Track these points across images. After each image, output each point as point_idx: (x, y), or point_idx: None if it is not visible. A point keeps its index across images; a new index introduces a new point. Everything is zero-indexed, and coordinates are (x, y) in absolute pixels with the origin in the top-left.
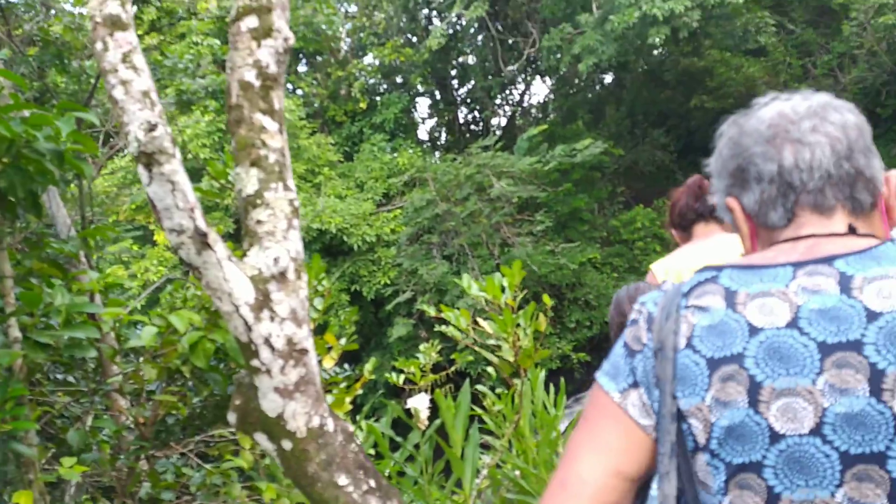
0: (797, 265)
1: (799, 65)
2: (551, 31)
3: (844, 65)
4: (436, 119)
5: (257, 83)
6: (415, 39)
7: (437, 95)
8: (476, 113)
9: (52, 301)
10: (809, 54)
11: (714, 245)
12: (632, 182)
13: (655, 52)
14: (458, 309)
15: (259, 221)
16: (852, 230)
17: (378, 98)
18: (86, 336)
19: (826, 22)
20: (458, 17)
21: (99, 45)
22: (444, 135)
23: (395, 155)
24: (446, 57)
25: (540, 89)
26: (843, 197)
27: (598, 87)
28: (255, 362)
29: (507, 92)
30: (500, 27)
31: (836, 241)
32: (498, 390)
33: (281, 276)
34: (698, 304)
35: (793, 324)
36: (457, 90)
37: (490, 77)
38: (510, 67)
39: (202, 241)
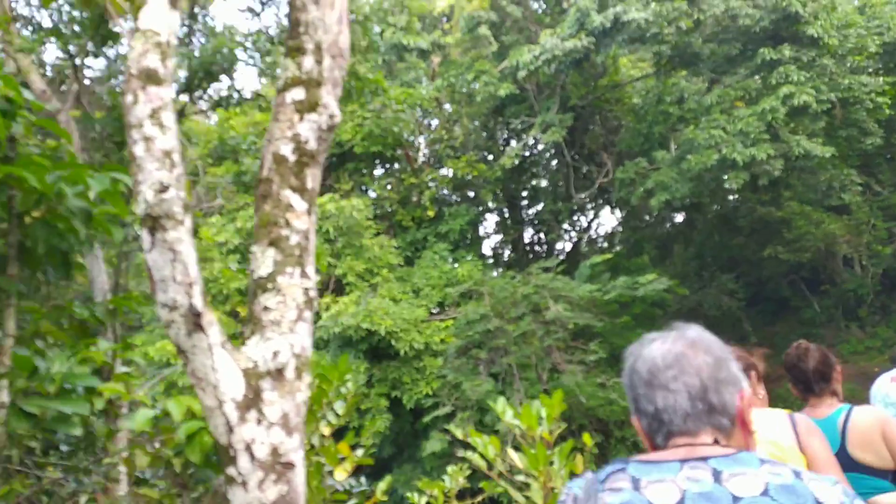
0: (683, 462)
1: (884, 227)
2: (626, 164)
3: None
4: (501, 236)
5: (293, 157)
6: (490, 157)
7: (506, 213)
8: (542, 235)
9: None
10: (895, 218)
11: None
12: (694, 324)
13: (731, 196)
14: (491, 434)
15: (266, 308)
16: (717, 441)
17: (447, 209)
18: (73, 411)
19: None
20: (535, 140)
21: (129, 98)
22: (507, 252)
23: (456, 265)
24: (519, 177)
25: (608, 220)
26: (703, 424)
27: (668, 225)
28: (231, 470)
29: (575, 218)
30: (575, 155)
31: (707, 448)
32: None
33: (278, 373)
34: (612, 487)
35: (680, 503)
36: (525, 210)
37: (560, 202)
38: (581, 195)
39: (195, 321)
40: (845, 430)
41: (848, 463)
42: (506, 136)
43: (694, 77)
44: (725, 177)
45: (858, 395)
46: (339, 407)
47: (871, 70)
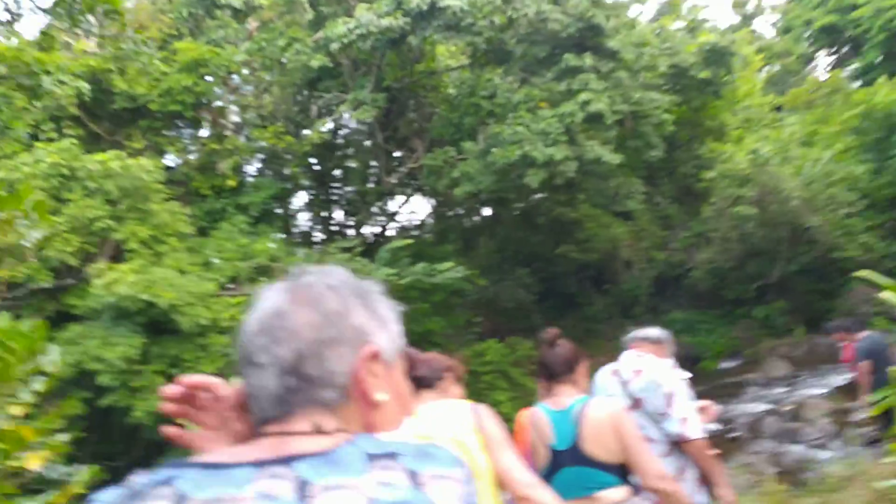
0: (259, 465)
1: (660, 235)
2: (435, 152)
3: (699, 244)
4: (311, 215)
5: None
6: (303, 132)
7: (315, 191)
8: (352, 217)
9: None
10: (671, 227)
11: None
12: (491, 315)
13: (536, 196)
14: None
15: None
16: (317, 428)
17: (250, 180)
18: None
19: (689, 202)
20: (347, 117)
21: None
22: (316, 232)
23: (255, 240)
24: (330, 155)
25: (420, 208)
26: (298, 405)
27: (475, 218)
28: None
29: (385, 202)
30: (388, 138)
31: (299, 442)
32: None
33: None
34: None
35: None
36: (336, 190)
37: (370, 184)
38: (391, 178)
39: None
40: (580, 422)
41: (580, 456)
42: (318, 110)
43: (507, 76)
44: (527, 174)
45: None
46: (39, 383)
47: (660, 88)
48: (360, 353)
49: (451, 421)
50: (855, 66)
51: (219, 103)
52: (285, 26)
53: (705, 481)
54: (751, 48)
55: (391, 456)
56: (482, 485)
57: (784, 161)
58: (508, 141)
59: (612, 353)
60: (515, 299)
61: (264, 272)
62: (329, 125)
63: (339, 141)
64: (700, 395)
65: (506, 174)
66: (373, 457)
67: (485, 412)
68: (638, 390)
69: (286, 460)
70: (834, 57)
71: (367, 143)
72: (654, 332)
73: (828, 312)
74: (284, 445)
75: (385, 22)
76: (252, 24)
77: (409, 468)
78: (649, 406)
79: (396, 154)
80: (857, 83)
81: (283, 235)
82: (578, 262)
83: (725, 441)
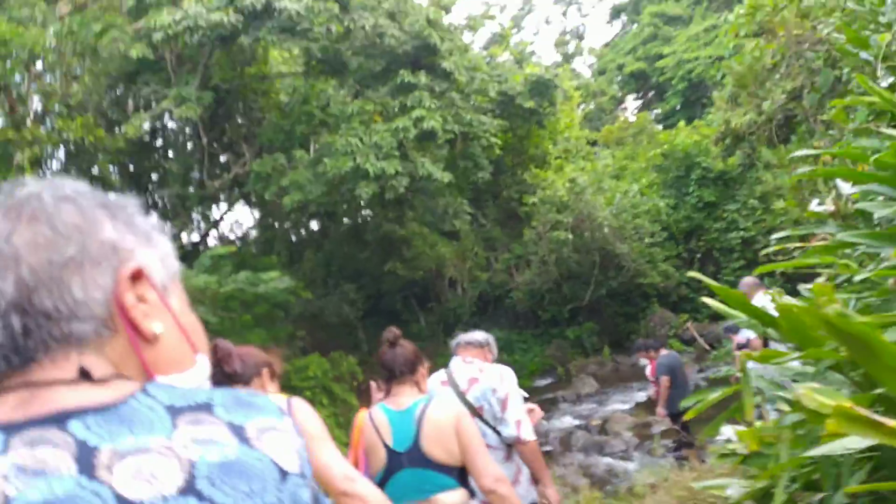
0: (9, 430)
1: (484, 256)
2: (264, 158)
3: (520, 266)
4: None
5: None
6: (118, 129)
7: (130, 191)
8: (168, 221)
9: None
10: (494, 249)
11: None
12: (315, 330)
13: (365, 211)
14: None
15: None
16: (84, 374)
17: (50, 175)
18: None
19: (512, 225)
20: (168, 114)
21: None
22: None
23: None
24: (148, 155)
25: (244, 217)
26: (46, 344)
27: (302, 231)
28: None
29: (206, 208)
30: (213, 141)
31: (68, 391)
32: None
33: None
34: None
35: None
36: (152, 192)
37: (191, 188)
38: (215, 183)
39: None
40: (420, 423)
41: (419, 458)
42: (136, 105)
43: (341, 87)
44: (357, 187)
45: None
46: None
47: (489, 112)
48: (117, 273)
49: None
50: (658, 110)
51: (19, 89)
52: (101, 11)
53: (534, 481)
54: (571, 84)
55: (203, 408)
56: None
57: (598, 191)
58: (341, 152)
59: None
60: (340, 315)
61: None
62: (147, 122)
63: (159, 141)
64: None
65: (337, 186)
66: (177, 410)
67: (301, 406)
68: (474, 399)
69: (53, 420)
70: (640, 101)
71: (190, 144)
72: (478, 335)
73: (631, 334)
74: (44, 400)
75: (215, 17)
76: (63, 6)
77: (229, 421)
78: (487, 413)
79: (222, 158)
80: (660, 126)
81: None
82: (405, 280)
83: (544, 453)
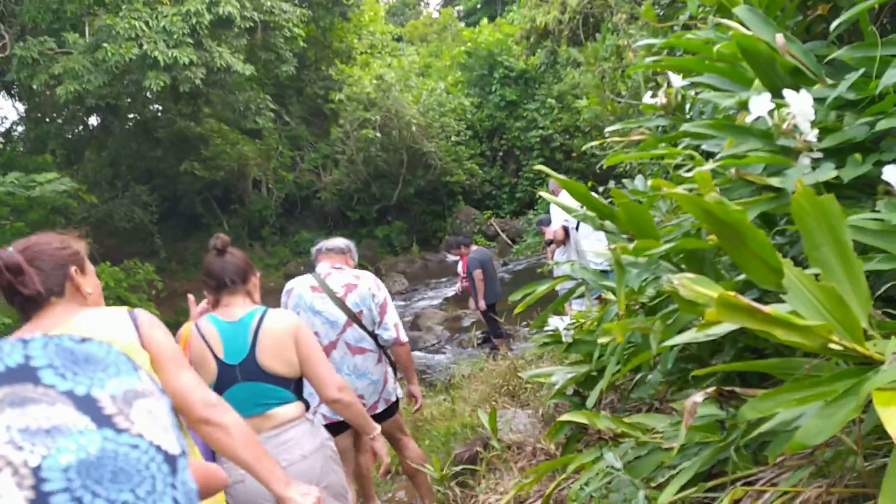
0: None
1: (290, 155)
2: (28, 41)
3: (328, 166)
4: None
5: None
6: None
7: None
8: None
9: None
10: (300, 148)
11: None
12: (103, 237)
13: (153, 107)
14: None
15: None
16: None
17: None
18: None
19: (318, 123)
20: None
21: None
22: None
23: None
24: None
25: (7, 111)
26: None
27: (80, 128)
28: None
29: None
30: None
31: None
32: None
33: None
34: None
35: None
36: None
37: None
38: None
39: None
40: (257, 334)
41: (254, 371)
42: None
43: None
44: (146, 77)
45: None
46: None
47: (291, 0)
48: None
49: (111, 333)
50: (460, 7)
51: None
52: None
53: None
54: None
55: (22, 375)
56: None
57: (405, 89)
58: (123, 37)
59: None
60: (132, 219)
61: None
62: None
63: None
64: None
65: (120, 76)
66: None
67: (148, 319)
68: (354, 305)
69: None
70: None
71: None
72: (339, 242)
73: (438, 232)
74: None
75: None
76: None
77: (70, 390)
78: (366, 318)
79: None
80: (463, 23)
81: None
82: (204, 181)
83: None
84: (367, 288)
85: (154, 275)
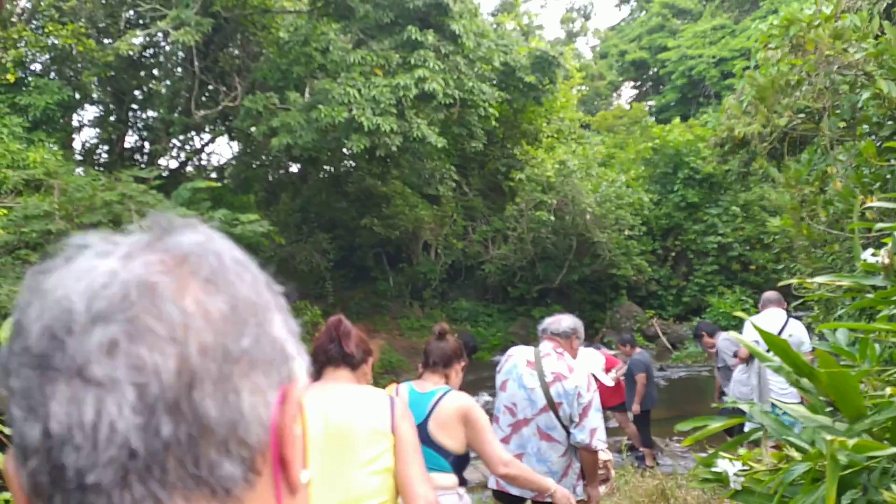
0: None
1: (462, 224)
2: (257, 95)
3: (497, 240)
4: (98, 131)
5: None
6: (107, 42)
7: (112, 108)
8: (147, 144)
9: None
10: (473, 219)
11: (325, 389)
12: (282, 275)
13: (347, 162)
14: None
15: None
16: None
17: (34, 79)
18: None
19: (494, 197)
20: (164, 35)
21: None
22: (102, 153)
23: (28, 147)
24: (135, 73)
25: (223, 150)
26: (170, 489)
27: (281, 171)
28: None
29: (189, 136)
30: (205, 69)
31: None
32: None
33: None
34: None
35: None
36: (134, 111)
37: (176, 114)
38: (201, 112)
39: None
40: (433, 408)
41: (424, 436)
42: (131, 19)
43: (344, 33)
44: (349, 138)
45: (405, 365)
46: None
47: (490, 81)
48: (285, 390)
49: (370, 413)
50: (653, 102)
51: None
52: None
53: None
54: (574, 64)
55: None
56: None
57: (585, 176)
58: (337, 101)
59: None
60: (310, 263)
61: (34, 186)
62: (140, 39)
63: (148, 59)
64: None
65: (327, 133)
66: None
67: (402, 409)
68: (556, 395)
69: None
70: (637, 91)
71: (180, 69)
72: (565, 324)
73: (595, 322)
74: None
75: None
76: None
77: None
78: (563, 412)
79: (212, 88)
80: (653, 118)
81: (63, 149)
82: (379, 237)
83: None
84: (575, 386)
85: (320, 318)
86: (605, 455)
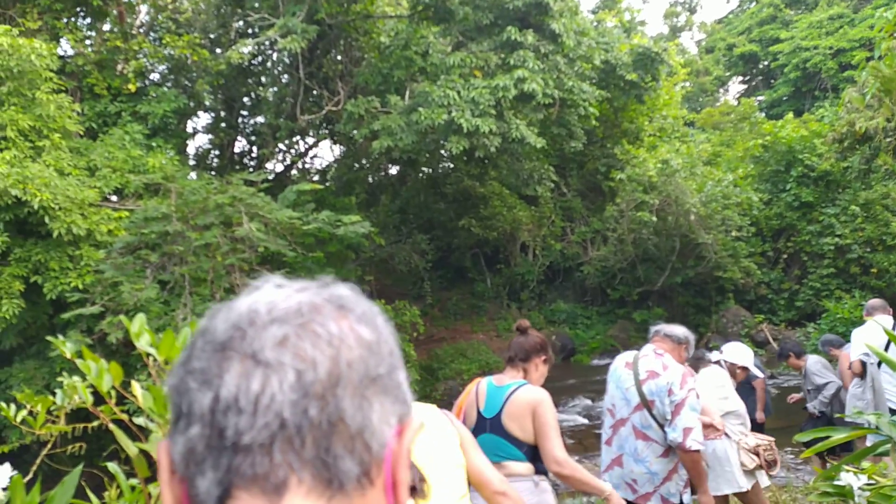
0: None
1: (561, 225)
2: (359, 99)
3: (596, 241)
4: (210, 137)
5: None
6: (218, 51)
7: (222, 115)
8: (255, 148)
9: None
10: (571, 220)
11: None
12: (381, 275)
13: (446, 164)
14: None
15: None
16: None
17: (153, 89)
18: None
19: (593, 198)
20: (271, 43)
21: None
22: (214, 157)
23: (148, 153)
24: (244, 80)
25: (326, 153)
26: (302, 463)
27: (381, 174)
28: None
29: (294, 140)
30: (309, 75)
31: None
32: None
33: None
34: None
35: None
36: (244, 118)
37: (282, 119)
38: (306, 117)
39: None
40: (507, 400)
41: (498, 427)
42: (240, 29)
43: (444, 36)
44: (448, 140)
45: (502, 367)
46: None
47: (590, 80)
48: (405, 421)
49: (435, 424)
50: (762, 97)
51: None
52: None
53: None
54: (678, 60)
55: None
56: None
57: (689, 176)
58: (437, 103)
59: (492, 332)
60: (409, 263)
61: (153, 190)
62: (249, 48)
63: (256, 67)
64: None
65: (426, 135)
66: None
67: (450, 415)
68: (649, 392)
69: None
70: (745, 86)
71: (286, 76)
72: (678, 330)
73: (700, 326)
74: None
75: None
76: None
77: None
78: (657, 410)
79: (316, 93)
80: (763, 114)
81: (179, 154)
82: (476, 238)
83: (591, 435)
84: (667, 382)
85: (418, 318)
86: (757, 440)
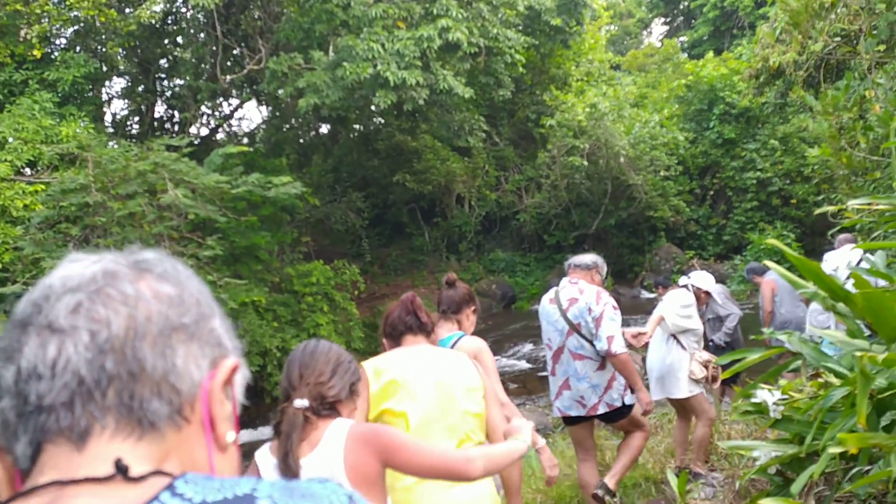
0: None
1: (495, 175)
2: (281, 56)
3: (530, 188)
4: (127, 103)
5: None
6: (128, 11)
7: (139, 79)
8: (176, 112)
9: None
10: (505, 169)
11: (419, 351)
12: (318, 235)
13: (376, 119)
14: None
15: None
16: (121, 469)
17: (60, 53)
18: None
19: (525, 146)
20: (184, 0)
21: None
22: (133, 124)
23: (60, 122)
24: (159, 41)
25: (253, 115)
26: (104, 411)
27: (312, 133)
28: None
29: (217, 102)
30: (227, 33)
31: (93, 492)
32: None
33: None
34: None
35: None
36: (161, 81)
37: (202, 80)
38: (227, 77)
39: None
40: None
41: None
42: None
43: None
44: (376, 95)
45: None
46: None
47: (515, 27)
48: (219, 363)
49: (464, 373)
50: (685, 38)
51: None
52: None
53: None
54: (601, 3)
55: (244, 502)
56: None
57: (618, 118)
58: (361, 57)
59: (433, 285)
60: (346, 222)
61: (68, 160)
62: (160, 6)
63: (170, 26)
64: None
65: (353, 91)
66: None
67: (481, 368)
68: (573, 317)
69: None
70: (667, 27)
71: (203, 34)
72: (586, 258)
73: (634, 266)
74: (65, 497)
75: None
76: None
77: None
78: (584, 329)
79: (236, 52)
80: (686, 54)
81: (94, 122)
82: (412, 193)
83: (534, 378)
84: (585, 303)
85: (358, 276)
86: (706, 355)
